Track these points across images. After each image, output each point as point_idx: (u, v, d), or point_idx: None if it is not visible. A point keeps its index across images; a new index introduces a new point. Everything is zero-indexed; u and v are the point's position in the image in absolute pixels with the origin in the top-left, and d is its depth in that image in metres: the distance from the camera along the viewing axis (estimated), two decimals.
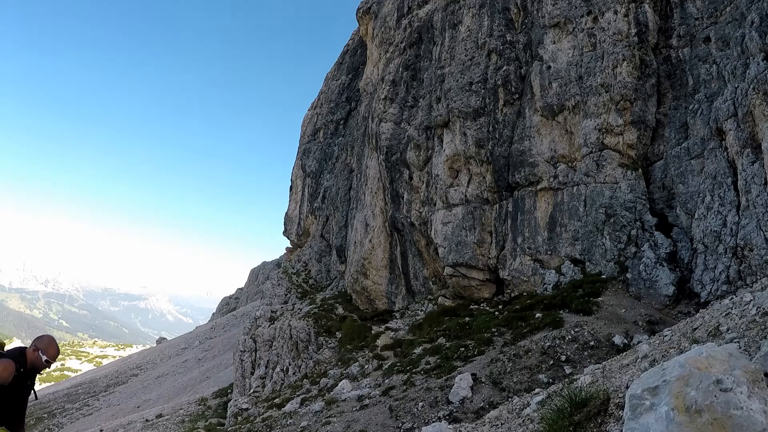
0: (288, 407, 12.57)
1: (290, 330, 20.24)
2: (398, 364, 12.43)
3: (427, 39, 20.81)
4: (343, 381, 12.64)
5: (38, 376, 4.75)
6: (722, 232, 10.57)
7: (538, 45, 16.06)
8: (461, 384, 9.12)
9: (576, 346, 9.77)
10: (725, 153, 11.09)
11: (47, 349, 4.57)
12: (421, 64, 20.90)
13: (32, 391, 4.70)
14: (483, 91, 17.02)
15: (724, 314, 4.98)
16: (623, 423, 2.47)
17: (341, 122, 32.58)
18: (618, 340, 9.69)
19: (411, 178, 20.00)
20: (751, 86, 10.12)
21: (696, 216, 11.52)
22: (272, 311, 24.55)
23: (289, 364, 19.42)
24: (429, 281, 19.39)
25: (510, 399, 7.45)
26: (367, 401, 10.25)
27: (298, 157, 35.61)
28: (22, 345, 4.75)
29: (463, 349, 11.26)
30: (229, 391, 24.01)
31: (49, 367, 4.46)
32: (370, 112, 23.91)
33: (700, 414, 2.04)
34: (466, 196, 17.03)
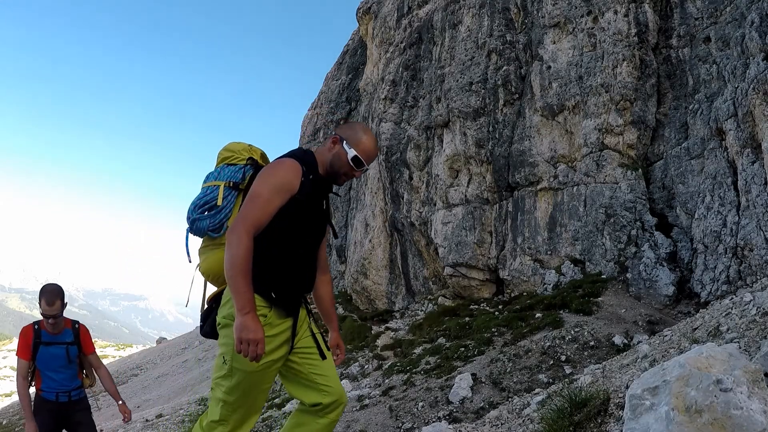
0: (288, 407, 12.57)
1: None
2: (398, 364, 12.43)
3: (427, 39, 20.81)
4: (343, 381, 12.64)
5: None
6: (722, 232, 10.56)
7: (538, 45, 16.06)
8: (461, 384, 9.11)
9: (576, 346, 9.76)
10: (725, 153, 11.08)
11: (359, 140, 2.55)
12: (421, 64, 20.89)
13: (329, 222, 2.72)
14: (483, 91, 17.02)
15: (724, 314, 4.98)
16: (623, 423, 2.48)
17: (341, 122, 32.59)
18: (618, 340, 9.69)
19: (411, 178, 19.99)
20: (751, 86, 10.12)
21: (696, 216, 11.52)
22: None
23: None
24: (429, 281, 19.38)
25: (510, 399, 7.45)
26: (367, 401, 10.24)
27: None
28: None
29: (463, 349, 11.26)
30: None
31: (357, 176, 2.63)
32: (370, 112, 23.90)
33: (700, 414, 2.04)
34: (466, 196, 17.03)
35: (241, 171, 2.62)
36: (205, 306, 2.72)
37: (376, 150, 2.59)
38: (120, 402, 4.70)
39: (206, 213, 2.57)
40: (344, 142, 2.54)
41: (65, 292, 4.51)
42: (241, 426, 2.49)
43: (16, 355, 4.45)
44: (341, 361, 2.86)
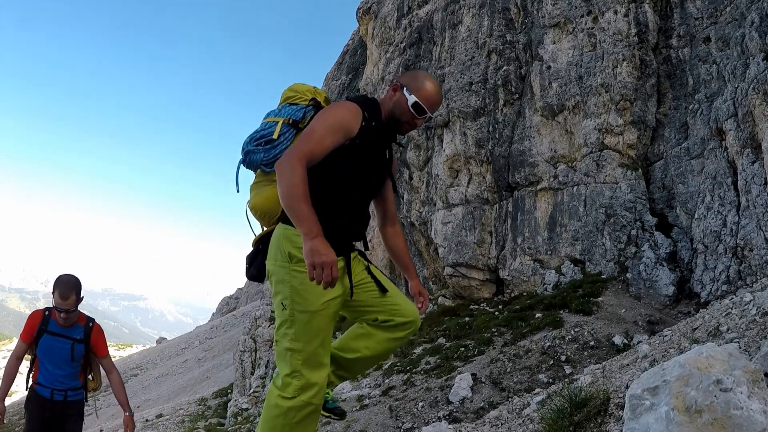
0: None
1: None
2: (398, 364, 12.43)
3: (427, 39, 20.81)
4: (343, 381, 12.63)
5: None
6: (722, 232, 10.56)
7: (538, 45, 16.06)
8: (461, 384, 9.11)
9: (576, 346, 9.77)
10: (725, 153, 11.08)
11: (420, 86, 2.47)
12: (421, 64, 20.89)
13: (390, 174, 2.67)
14: (483, 91, 17.02)
15: (724, 314, 4.98)
16: (623, 423, 2.48)
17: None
18: (618, 340, 9.69)
19: (411, 178, 20.00)
20: (751, 86, 10.12)
21: (696, 216, 11.52)
22: (272, 311, 24.54)
23: None
24: (429, 281, 19.38)
25: (510, 399, 7.45)
26: (366, 401, 10.25)
27: None
28: None
29: (463, 349, 11.26)
30: (229, 391, 24.01)
31: (419, 125, 2.56)
32: None
33: (700, 414, 2.04)
34: (466, 196, 17.03)
35: (302, 110, 2.55)
36: (252, 248, 2.65)
37: (439, 97, 2.50)
38: (127, 414, 4.34)
39: (261, 146, 2.50)
40: (405, 88, 2.46)
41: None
42: (314, 374, 2.30)
43: (20, 336, 4.11)
44: (425, 309, 2.71)
